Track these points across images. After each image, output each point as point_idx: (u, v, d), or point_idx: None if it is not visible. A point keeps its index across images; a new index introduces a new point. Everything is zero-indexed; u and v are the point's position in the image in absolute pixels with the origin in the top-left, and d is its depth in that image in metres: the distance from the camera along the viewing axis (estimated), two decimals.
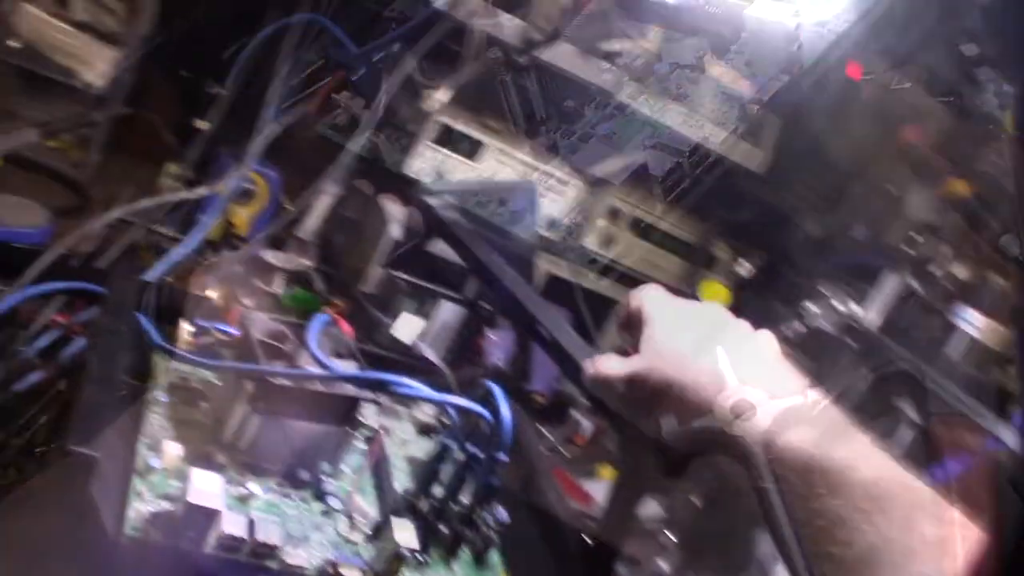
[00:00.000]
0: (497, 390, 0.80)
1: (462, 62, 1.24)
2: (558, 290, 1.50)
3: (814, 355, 1.21)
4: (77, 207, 1.32)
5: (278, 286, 1.31)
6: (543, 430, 1.32)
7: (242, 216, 1.38)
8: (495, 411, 0.78)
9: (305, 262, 1.37)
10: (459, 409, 0.78)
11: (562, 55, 1.28)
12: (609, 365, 0.75)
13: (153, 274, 1.11)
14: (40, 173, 1.35)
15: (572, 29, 1.23)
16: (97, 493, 0.61)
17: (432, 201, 1.07)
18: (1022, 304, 0.94)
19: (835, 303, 1.19)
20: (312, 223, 1.41)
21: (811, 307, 1.25)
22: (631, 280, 1.59)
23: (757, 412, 0.63)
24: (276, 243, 1.44)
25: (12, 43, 1.24)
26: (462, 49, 1.23)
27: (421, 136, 1.35)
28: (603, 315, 1.61)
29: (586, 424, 1.36)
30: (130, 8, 1.30)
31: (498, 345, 1.46)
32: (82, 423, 0.62)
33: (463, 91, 1.37)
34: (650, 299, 0.77)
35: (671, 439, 0.70)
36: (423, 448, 0.92)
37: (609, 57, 1.31)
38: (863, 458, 0.60)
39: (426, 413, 0.98)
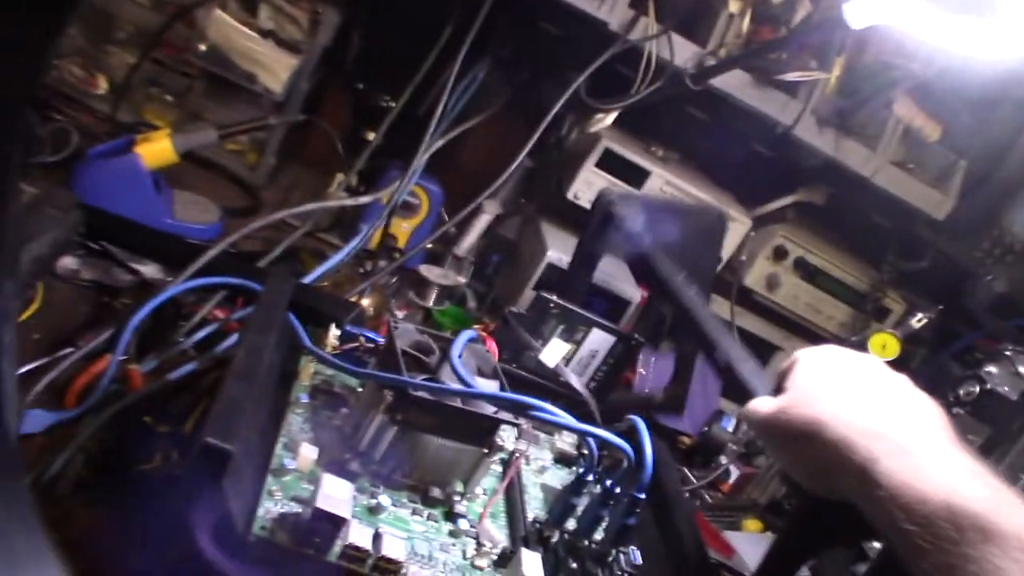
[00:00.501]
0: (642, 425, 0.77)
1: (633, 86, 1.22)
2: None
3: (988, 418, 1.13)
4: (248, 208, 1.37)
5: (431, 300, 1.32)
6: (688, 472, 1.27)
7: (402, 228, 1.40)
8: (638, 447, 0.74)
9: (460, 279, 1.37)
10: (600, 442, 0.74)
11: (738, 84, 1.24)
12: (760, 402, 0.71)
13: (310, 277, 1.13)
14: (217, 172, 1.41)
15: (750, 58, 1.18)
16: (229, 488, 0.61)
17: (616, 210, 1.03)
18: None
19: (1020, 367, 1.10)
20: (470, 241, 1.42)
21: (992, 370, 1.16)
22: (793, 325, 1.53)
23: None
24: (434, 258, 1.46)
25: (201, 46, 1.30)
26: (635, 73, 1.21)
27: (586, 159, 1.33)
28: (763, 359, 1.55)
29: (734, 472, 1.30)
30: (312, 19, 1.34)
31: (648, 380, 1.42)
32: (221, 418, 0.62)
33: (631, 115, 1.35)
34: (809, 349, 0.73)
35: (810, 485, 0.68)
36: (559, 477, 0.89)
37: (787, 88, 1.26)
38: (1014, 506, 0.56)
39: (566, 442, 0.95)
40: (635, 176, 1.34)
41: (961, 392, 1.15)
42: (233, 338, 0.93)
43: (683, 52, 1.21)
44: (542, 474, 0.89)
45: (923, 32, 0.89)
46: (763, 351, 1.54)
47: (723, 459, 1.30)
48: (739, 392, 0.77)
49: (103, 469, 0.79)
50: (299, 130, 1.48)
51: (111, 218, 1.09)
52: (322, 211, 1.37)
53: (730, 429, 1.33)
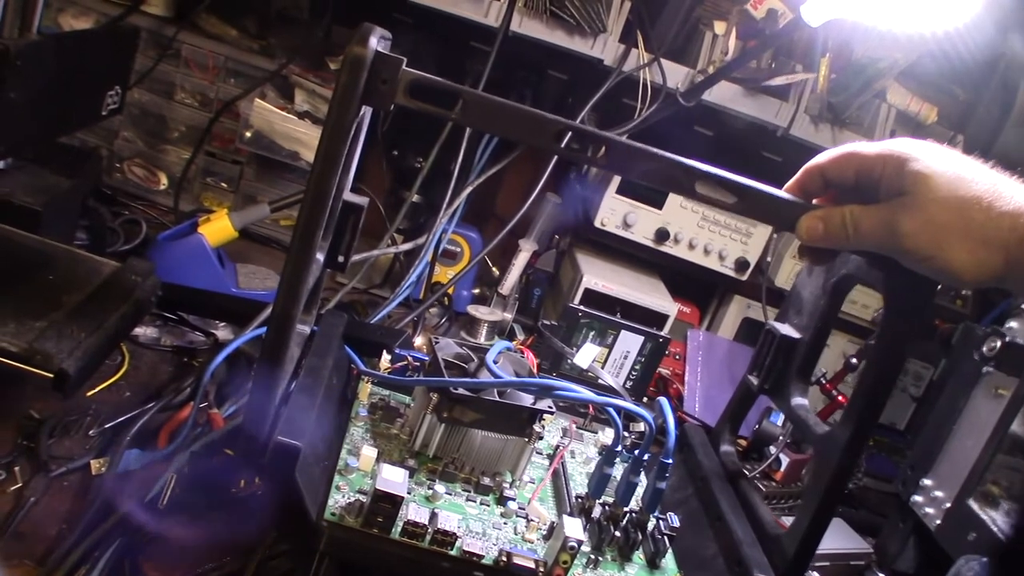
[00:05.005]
0: (664, 402, 0.85)
1: (635, 112, 1.32)
2: (753, 333, 1.52)
3: (1013, 370, 1.17)
4: None
5: (482, 337, 1.42)
6: (742, 467, 1.33)
7: (447, 274, 1.51)
8: (664, 421, 0.82)
9: (507, 315, 1.47)
10: (624, 412, 0.82)
11: (732, 97, 1.33)
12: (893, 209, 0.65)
13: (372, 319, 1.24)
14: (273, 246, 1.54)
15: (733, 70, 1.28)
16: (301, 480, 0.71)
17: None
18: None
19: None
20: (512, 279, 1.52)
21: (1013, 324, 1.21)
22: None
23: None
24: (482, 299, 1.56)
25: (247, 133, 1.44)
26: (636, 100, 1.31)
27: (607, 188, 1.43)
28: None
29: (785, 460, 1.36)
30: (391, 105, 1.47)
31: (695, 389, 1.50)
32: (289, 422, 0.72)
33: (643, 141, 1.44)
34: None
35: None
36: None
37: (779, 93, 1.35)
38: None
39: (608, 436, 1.03)
40: (655, 198, 1.43)
41: (984, 349, 1.20)
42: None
43: (675, 75, 1.32)
44: (587, 465, 0.98)
45: (873, 17, 0.97)
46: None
47: (772, 449, 1.36)
48: None
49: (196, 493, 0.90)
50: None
51: (183, 290, 1.22)
52: (372, 267, 1.49)
53: (779, 423, 1.39)
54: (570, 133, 0.68)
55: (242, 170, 1.54)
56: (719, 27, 1.33)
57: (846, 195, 0.71)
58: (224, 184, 1.56)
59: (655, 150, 0.71)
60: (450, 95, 0.67)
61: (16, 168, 1.12)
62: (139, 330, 1.15)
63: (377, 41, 0.65)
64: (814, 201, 0.73)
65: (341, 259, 0.88)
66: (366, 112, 0.84)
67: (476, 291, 1.57)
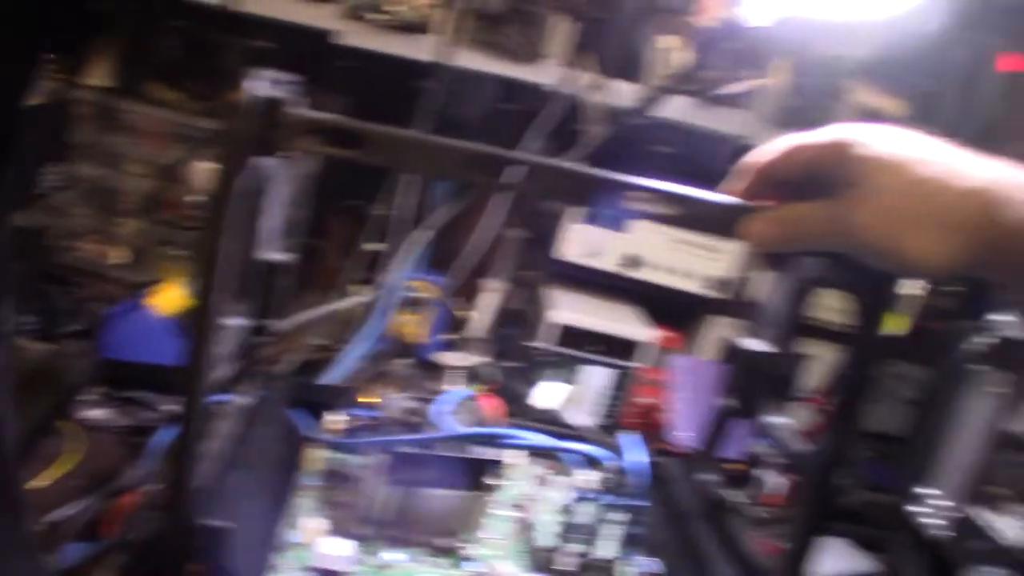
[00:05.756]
0: (635, 440, 0.80)
1: (584, 136, 1.28)
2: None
3: (1008, 366, 1.12)
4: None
5: (453, 385, 1.37)
6: (733, 497, 1.27)
7: (412, 323, 1.45)
8: (633, 460, 0.77)
9: (477, 360, 1.42)
10: (584, 457, 0.77)
11: (688, 111, 1.29)
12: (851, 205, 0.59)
13: (328, 379, 1.19)
14: None
15: (679, 83, 1.24)
16: (236, 562, 0.65)
17: None
18: None
19: None
20: (480, 322, 1.47)
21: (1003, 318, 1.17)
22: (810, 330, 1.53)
23: None
24: (455, 345, 1.51)
25: (193, 198, 1.40)
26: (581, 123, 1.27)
27: (570, 218, 1.38)
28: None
29: (778, 483, 1.30)
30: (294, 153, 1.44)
31: (686, 418, 1.44)
32: (219, 502, 0.67)
33: (602, 165, 1.40)
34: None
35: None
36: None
37: (738, 102, 1.30)
38: None
39: (583, 480, 0.98)
40: (618, 222, 1.39)
41: (975, 346, 1.15)
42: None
43: (623, 94, 1.28)
44: (561, 514, 0.92)
45: (813, 10, 0.93)
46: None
47: (762, 473, 1.30)
48: None
49: None
50: (308, 258, 1.56)
51: (133, 366, 1.16)
52: (332, 323, 1.45)
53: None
54: (483, 159, 0.64)
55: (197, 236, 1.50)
56: (666, 42, 1.29)
57: (794, 192, 0.64)
58: (180, 252, 1.52)
59: (581, 168, 0.66)
60: (350, 135, 0.63)
61: None
62: (92, 412, 1.10)
63: (267, 85, 0.61)
64: (761, 202, 0.68)
65: (268, 322, 0.83)
66: (285, 164, 0.80)
67: (446, 337, 1.51)
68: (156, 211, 1.46)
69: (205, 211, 0.60)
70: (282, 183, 0.81)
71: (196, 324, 0.62)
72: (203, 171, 1.37)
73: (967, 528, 1.13)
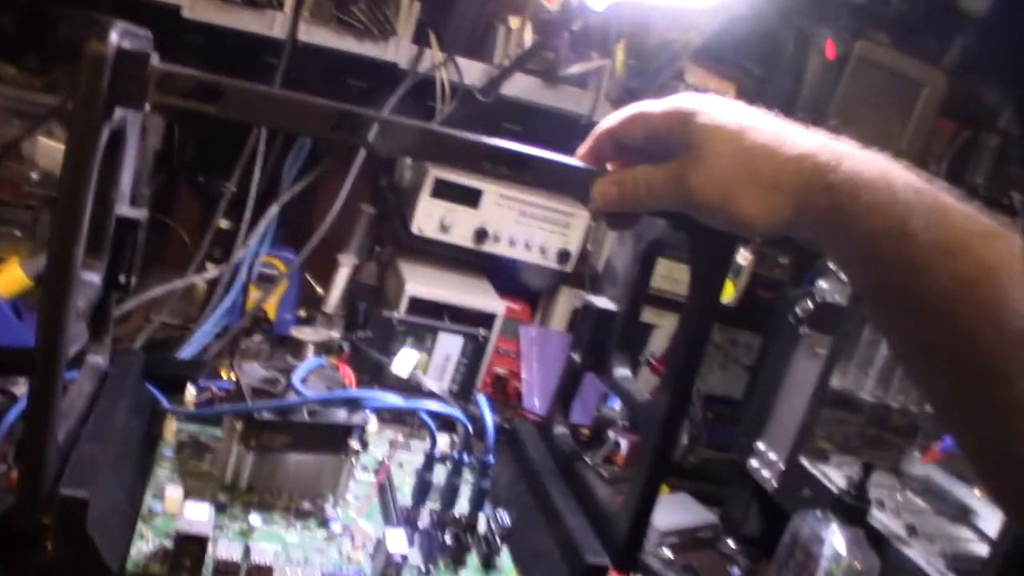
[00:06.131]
0: (482, 400, 0.84)
1: (435, 113, 1.31)
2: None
3: (828, 329, 1.22)
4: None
5: (309, 359, 1.37)
6: (584, 457, 1.33)
7: (269, 301, 1.45)
8: (483, 420, 0.81)
9: (333, 333, 1.43)
10: (433, 415, 0.81)
11: (531, 89, 1.34)
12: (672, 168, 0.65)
13: (183, 354, 1.18)
14: None
15: (524, 61, 1.28)
16: (95, 532, 0.65)
17: None
18: None
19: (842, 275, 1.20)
20: (335, 296, 1.48)
21: (822, 284, 1.26)
22: (653, 300, 1.61)
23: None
24: (308, 321, 1.52)
25: (33, 175, 1.35)
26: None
27: (420, 193, 1.41)
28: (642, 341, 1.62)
29: (624, 443, 1.37)
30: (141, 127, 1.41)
31: (532, 384, 1.50)
32: (75, 472, 0.67)
33: None
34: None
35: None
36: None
37: (578, 82, 1.36)
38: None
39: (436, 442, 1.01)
40: (470, 198, 1.42)
41: (799, 310, 1.24)
42: None
43: (472, 72, 1.31)
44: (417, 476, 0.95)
45: None
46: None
47: (611, 434, 1.37)
48: None
49: None
50: (155, 234, 1.53)
51: None
52: (188, 301, 1.43)
53: (616, 408, 1.40)
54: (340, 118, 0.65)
55: (36, 215, 1.45)
56: (514, 22, 1.33)
57: (637, 156, 0.70)
58: (18, 232, 1.46)
59: (430, 125, 0.69)
60: (210, 88, 0.64)
61: None
62: None
63: (120, 36, 0.60)
64: (608, 166, 0.73)
65: (123, 280, 0.83)
66: (136, 120, 0.79)
67: (301, 313, 1.52)
68: None
69: (65, 166, 0.59)
70: (135, 140, 0.81)
71: (55, 276, 0.61)
72: (45, 148, 1.32)
73: (793, 478, 1.22)
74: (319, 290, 1.55)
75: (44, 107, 1.38)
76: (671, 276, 1.56)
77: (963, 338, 0.53)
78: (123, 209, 0.81)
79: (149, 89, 0.61)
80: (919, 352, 0.58)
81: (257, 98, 0.65)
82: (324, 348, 1.37)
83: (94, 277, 0.79)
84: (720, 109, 0.65)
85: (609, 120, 0.72)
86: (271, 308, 1.46)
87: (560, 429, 0.99)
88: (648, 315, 1.62)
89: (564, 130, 1.41)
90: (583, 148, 0.73)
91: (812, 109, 1.44)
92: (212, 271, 1.36)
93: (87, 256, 0.69)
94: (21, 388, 1.12)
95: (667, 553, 1.23)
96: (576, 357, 0.94)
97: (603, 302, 0.92)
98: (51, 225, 0.62)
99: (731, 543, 1.34)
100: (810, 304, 1.22)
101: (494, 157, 0.69)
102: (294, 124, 0.71)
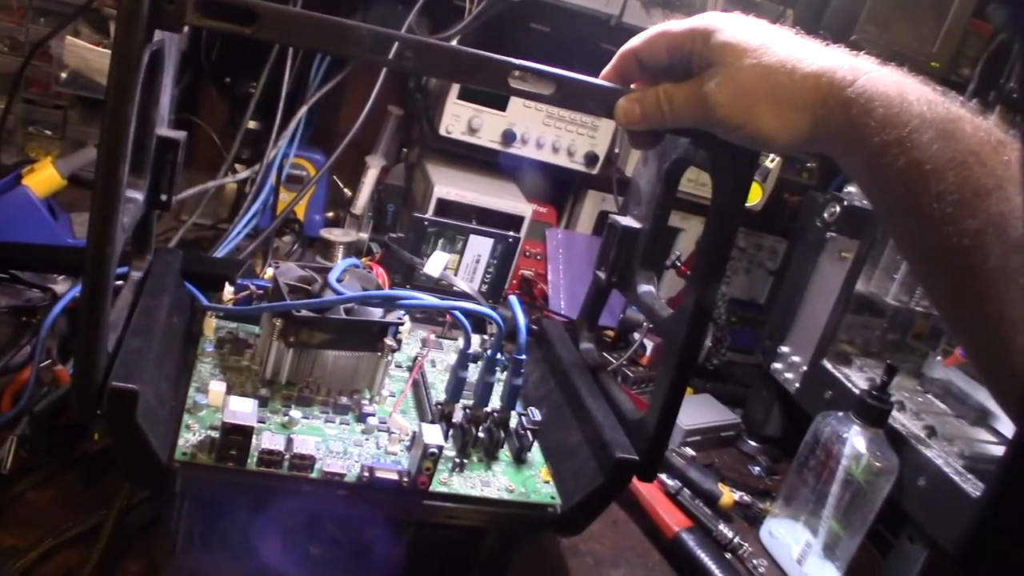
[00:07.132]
0: (513, 299, 0.85)
1: (464, 12, 1.30)
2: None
3: (855, 233, 1.22)
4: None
5: (339, 260, 1.39)
6: (608, 356, 1.36)
7: (297, 201, 1.47)
8: (514, 319, 0.83)
9: (362, 235, 1.45)
10: (467, 313, 0.82)
11: None
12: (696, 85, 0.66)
13: (217, 253, 1.20)
14: None
15: None
16: (145, 423, 0.68)
17: None
18: None
19: None
20: (363, 198, 1.49)
21: (850, 188, 1.26)
22: (681, 203, 1.61)
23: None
24: (336, 223, 1.53)
25: (62, 74, 1.36)
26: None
27: (448, 95, 1.40)
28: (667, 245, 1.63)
29: (649, 345, 1.39)
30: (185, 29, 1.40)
31: (558, 286, 1.51)
32: (123, 365, 0.70)
33: (480, 44, 1.41)
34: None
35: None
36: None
37: None
38: None
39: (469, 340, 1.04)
40: (497, 101, 1.42)
41: (826, 215, 1.24)
42: None
43: None
44: (448, 373, 0.98)
45: None
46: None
47: (636, 335, 1.39)
48: None
49: (47, 454, 0.87)
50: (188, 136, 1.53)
51: (14, 247, 1.15)
52: (218, 202, 1.45)
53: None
54: (372, 38, 0.66)
55: (66, 114, 1.46)
56: None
57: (661, 75, 0.71)
58: (48, 132, 1.47)
59: (460, 47, 0.69)
60: (245, 10, 0.64)
61: None
62: None
63: None
64: (632, 85, 0.74)
65: (164, 197, 0.84)
66: (172, 41, 0.79)
67: (329, 214, 1.53)
68: (21, 89, 1.41)
69: (108, 89, 0.61)
70: (173, 62, 0.81)
71: (103, 191, 0.63)
72: (73, 47, 1.32)
73: (816, 380, 1.24)
74: (347, 192, 1.56)
75: (71, 6, 1.38)
76: (698, 180, 1.56)
77: (970, 245, 0.55)
78: (163, 130, 0.82)
79: (187, 11, 0.62)
80: (926, 256, 0.60)
81: (292, 20, 0.65)
82: (353, 249, 1.40)
83: (137, 195, 0.81)
84: (741, 27, 0.65)
85: (634, 40, 0.72)
86: (300, 209, 1.48)
87: (586, 344, 1.01)
88: (674, 219, 1.63)
89: (594, 31, 1.39)
90: (608, 68, 0.74)
91: (846, 10, 1.42)
92: (242, 172, 1.36)
93: (130, 175, 0.70)
94: (59, 286, 1.15)
95: (689, 451, 1.26)
96: (601, 274, 0.96)
97: (628, 221, 0.93)
98: (98, 146, 0.63)
99: (752, 442, 1.37)
100: (837, 208, 1.22)
101: (521, 76, 0.70)
102: (328, 46, 0.71)
